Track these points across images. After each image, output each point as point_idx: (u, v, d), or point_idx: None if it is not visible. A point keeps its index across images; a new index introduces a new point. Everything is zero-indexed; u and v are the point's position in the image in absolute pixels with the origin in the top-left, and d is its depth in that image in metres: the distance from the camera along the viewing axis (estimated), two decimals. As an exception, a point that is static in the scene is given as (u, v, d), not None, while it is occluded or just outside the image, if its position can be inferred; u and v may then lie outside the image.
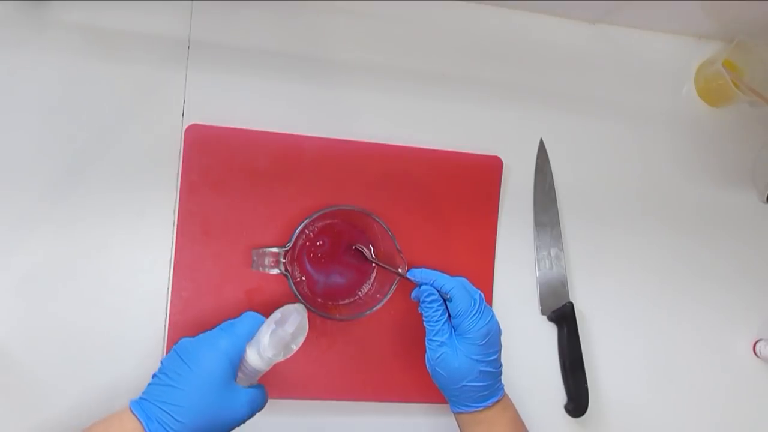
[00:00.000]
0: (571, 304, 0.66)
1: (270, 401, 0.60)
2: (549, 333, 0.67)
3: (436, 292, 0.55)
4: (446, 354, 0.53)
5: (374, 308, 0.57)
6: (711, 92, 0.72)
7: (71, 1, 0.60)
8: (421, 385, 0.62)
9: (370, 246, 0.61)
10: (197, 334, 0.50)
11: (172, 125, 0.61)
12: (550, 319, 0.67)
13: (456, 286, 0.54)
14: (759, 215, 0.73)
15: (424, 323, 0.55)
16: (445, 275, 0.56)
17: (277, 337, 0.50)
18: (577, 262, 0.68)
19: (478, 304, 0.54)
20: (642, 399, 0.68)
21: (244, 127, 0.61)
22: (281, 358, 0.51)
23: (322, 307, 0.58)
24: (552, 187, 0.68)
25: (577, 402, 0.65)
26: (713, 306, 0.71)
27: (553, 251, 0.67)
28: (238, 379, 0.49)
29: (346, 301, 0.61)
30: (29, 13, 0.60)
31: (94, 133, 0.60)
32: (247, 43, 0.63)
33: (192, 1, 0.63)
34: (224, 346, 0.48)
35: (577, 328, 0.65)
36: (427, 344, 0.55)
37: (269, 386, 0.59)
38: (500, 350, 0.55)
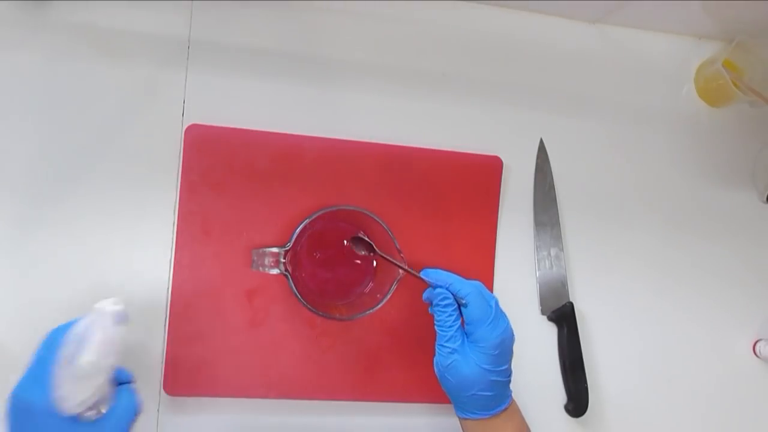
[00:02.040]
0: (571, 304, 0.66)
1: (270, 401, 0.60)
2: (549, 333, 0.67)
3: (451, 296, 0.53)
4: (457, 362, 0.51)
5: (374, 308, 0.57)
6: (711, 92, 0.72)
7: (71, 1, 0.60)
8: (421, 385, 0.62)
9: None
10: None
11: (172, 125, 0.61)
12: (550, 319, 0.67)
13: (472, 291, 0.52)
14: (759, 215, 0.73)
15: (436, 327, 0.53)
16: (461, 278, 0.54)
17: (75, 378, 0.41)
18: (577, 262, 0.68)
19: (494, 312, 0.52)
20: (642, 399, 0.68)
21: (244, 127, 0.61)
22: (106, 376, 0.44)
23: (322, 307, 0.58)
24: (552, 187, 0.68)
25: (577, 402, 0.65)
26: (713, 306, 0.71)
27: (553, 251, 0.67)
28: (84, 415, 0.43)
29: (346, 301, 0.61)
30: (29, 13, 0.60)
31: (94, 134, 0.60)
32: (247, 43, 0.63)
33: (192, 1, 0.63)
34: (38, 405, 0.42)
35: (577, 328, 0.65)
36: (437, 349, 0.53)
37: (270, 386, 0.59)
38: (511, 359, 0.54)
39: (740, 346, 0.71)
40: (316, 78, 0.64)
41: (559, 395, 0.66)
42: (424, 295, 0.55)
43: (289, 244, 0.56)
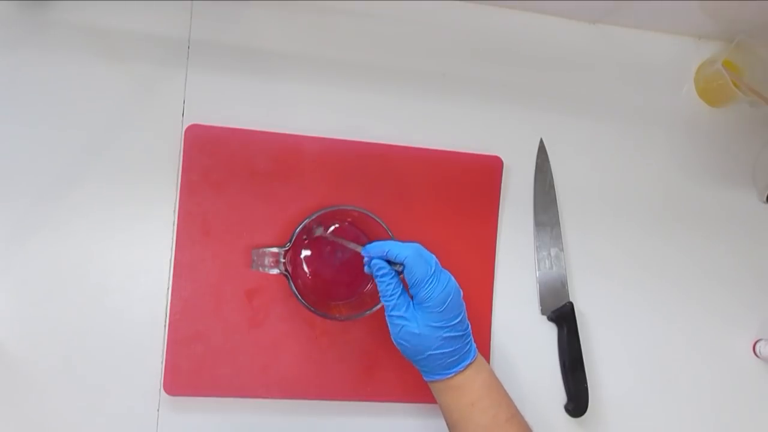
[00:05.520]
0: (571, 304, 0.66)
1: (270, 401, 0.60)
2: (549, 333, 0.67)
3: (386, 265, 0.53)
4: (407, 326, 0.52)
5: (374, 308, 0.57)
6: (711, 92, 0.72)
7: (71, 1, 0.60)
8: (420, 386, 0.62)
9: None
10: None
11: (172, 125, 0.61)
12: (550, 319, 0.67)
13: (409, 254, 0.52)
14: (759, 215, 0.73)
15: (381, 299, 0.53)
16: (398, 243, 0.54)
17: None
18: (577, 262, 0.68)
19: (433, 269, 0.52)
20: (642, 399, 0.68)
21: (244, 127, 0.61)
22: None
23: (322, 307, 0.58)
24: (552, 187, 0.68)
25: (577, 402, 0.65)
26: (713, 306, 0.71)
27: (553, 251, 0.67)
28: None
29: (346, 301, 0.61)
30: (29, 13, 0.60)
31: (94, 133, 0.60)
32: (247, 43, 0.63)
33: (192, 1, 0.63)
34: None
35: (577, 328, 0.65)
36: (387, 320, 0.53)
37: (270, 386, 0.59)
38: (463, 312, 0.53)
39: (740, 346, 0.71)
40: (315, 78, 0.64)
41: (559, 395, 0.66)
42: (366, 269, 0.55)
43: (289, 244, 0.56)
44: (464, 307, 0.54)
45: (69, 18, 0.60)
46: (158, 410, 0.59)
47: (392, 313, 0.52)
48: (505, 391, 0.55)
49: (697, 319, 0.70)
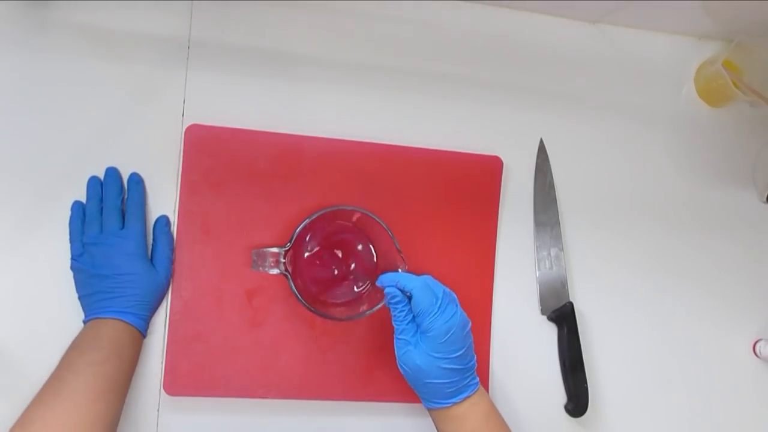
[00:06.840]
0: (571, 304, 0.66)
1: (270, 401, 0.60)
2: (549, 333, 0.67)
3: (399, 293, 0.54)
4: (410, 352, 0.53)
5: (374, 308, 0.57)
6: (711, 92, 0.72)
7: (71, 1, 0.60)
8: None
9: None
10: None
11: (172, 125, 0.61)
12: (550, 319, 0.67)
13: (417, 285, 0.54)
14: (759, 215, 0.73)
15: (392, 322, 0.55)
16: (409, 275, 0.55)
17: None
18: (577, 262, 0.68)
19: (439, 302, 0.53)
20: (642, 399, 0.68)
21: (244, 127, 0.61)
22: None
23: (322, 307, 0.58)
24: (552, 187, 0.68)
25: (577, 402, 0.65)
26: (713, 306, 0.71)
27: (553, 251, 0.67)
28: None
29: (346, 300, 0.61)
30: (29, 13, 0.60)
31: (94, 134, 0.60)
32: (247, 43, 0.63)
33: (192, 1, 0.63)
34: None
35: (577, 328, 0.65)
36: (395, 343, 0.55)
37: (270, 386, 0.60)
38: (467, 346, 0.54)
39: (740, 346, 0.71)
40: (315, 78, 0.65)
41: (559, 395, 0.66)
42: (377, 283, 0.57)
43: (289, 244, 0.56)
44: (470, 341, 0.55)
45: (69, 18, 0.60)
46: (158, 410, 0.59)
47: (400, 336, 0.55)
48: (503, 422, 0.56)
49: (697, 319, 0.70)
